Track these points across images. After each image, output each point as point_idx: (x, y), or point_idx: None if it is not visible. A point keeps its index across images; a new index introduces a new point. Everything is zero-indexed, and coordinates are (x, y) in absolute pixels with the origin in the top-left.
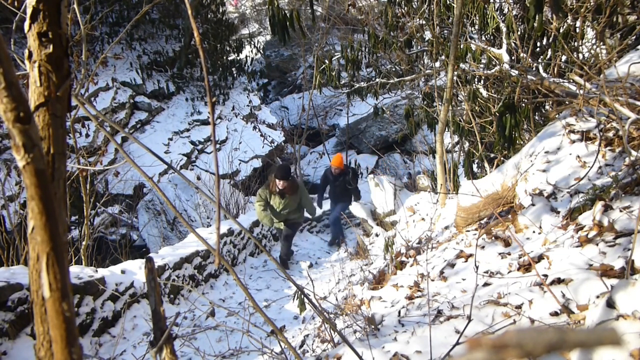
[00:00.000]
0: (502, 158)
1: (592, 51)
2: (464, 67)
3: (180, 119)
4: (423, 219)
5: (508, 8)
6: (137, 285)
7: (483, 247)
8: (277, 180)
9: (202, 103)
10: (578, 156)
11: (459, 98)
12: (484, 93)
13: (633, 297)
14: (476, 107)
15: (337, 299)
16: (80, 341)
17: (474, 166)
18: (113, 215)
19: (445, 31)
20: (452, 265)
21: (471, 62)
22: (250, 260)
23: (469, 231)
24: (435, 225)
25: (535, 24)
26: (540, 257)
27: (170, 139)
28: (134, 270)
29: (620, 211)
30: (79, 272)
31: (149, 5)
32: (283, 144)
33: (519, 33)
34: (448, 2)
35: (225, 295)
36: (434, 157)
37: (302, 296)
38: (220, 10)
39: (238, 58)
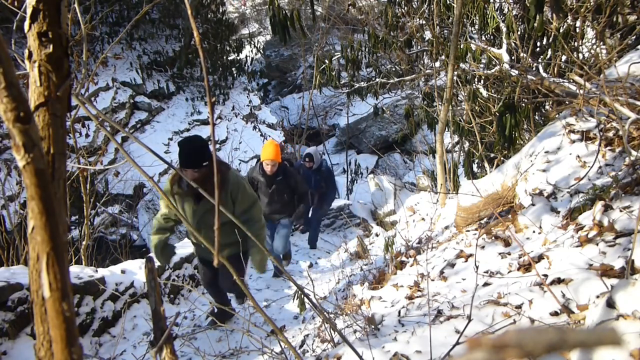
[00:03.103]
0: (502, 158)
1: (592, 51)
2: (464, 67)
3: (180, 119)
4: (423, 219)
5: (508, 8)
6: (137, 285)
7: (483, 247)
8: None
9: (202, 103)
10: (578, 156)
11: (459, 98)
12: (484, 93)
13: (633, 297)
14: (476, 107)
15: (337, 299)
16: (80, 341)
17: (474, 166)
18: (113, 215)
19: (445, 31)
20: (452, 265)
21: (471, 62)
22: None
23: (469, 231)
24: (435, 225)
25: (536, 24)
26: (540, 257)
27: (170, 139)
28: (134, 270)
29: (620, 211)
30: (79, 272)
31: (149, 5)
32: (283, 144)
33: (519, 33)
34: (448, 2)
35: None
36: (434, 157)
37: (302, 296)
38: (220, 10)
39: (238, 58)
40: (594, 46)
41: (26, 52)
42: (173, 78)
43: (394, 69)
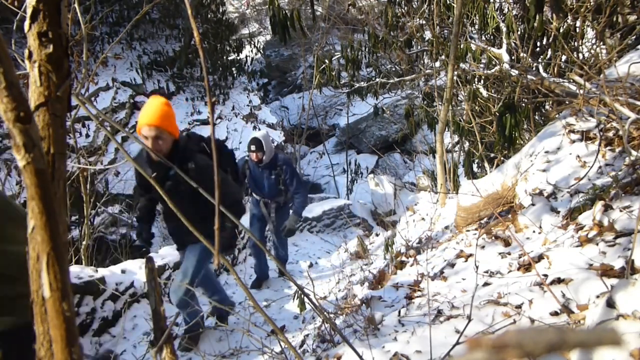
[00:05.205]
0: (502, 158)
1: (592, 51)
2: (464, 67)
3: (180, 118)
4: (423, 218)
5: (508, 8)
6: (137, 285)
7: (483, 247)
8: None
9: (202, 103)
10: (578, 156)
11: (459, 98)
12: (484, 93)
13: (633, 297)
14: (476, 107)
15: (337, 299)
16: (80, 341)
17: (474, 166)
18: (113, 215)
19: (445, 31)
20: (452, 265)
21: (471, 62)
22: (250, 260)
23: (469, 231)
24: (435, 225)
25: (535, 24)
26: (540, 257)
27: None
28: (134, 270)
29: (620, 211)
30: (79, 272)
31: (149, 5)
32: (283, 143)
33: (519, 33)
34: (448, 2)
35: None
36: (434, 157)
37: (302, 296)
38: (220, 10)
39: (238, 58)
40: (594, 46)
41: (26, 52)
42: (173, 78)
43: (394, 69)
